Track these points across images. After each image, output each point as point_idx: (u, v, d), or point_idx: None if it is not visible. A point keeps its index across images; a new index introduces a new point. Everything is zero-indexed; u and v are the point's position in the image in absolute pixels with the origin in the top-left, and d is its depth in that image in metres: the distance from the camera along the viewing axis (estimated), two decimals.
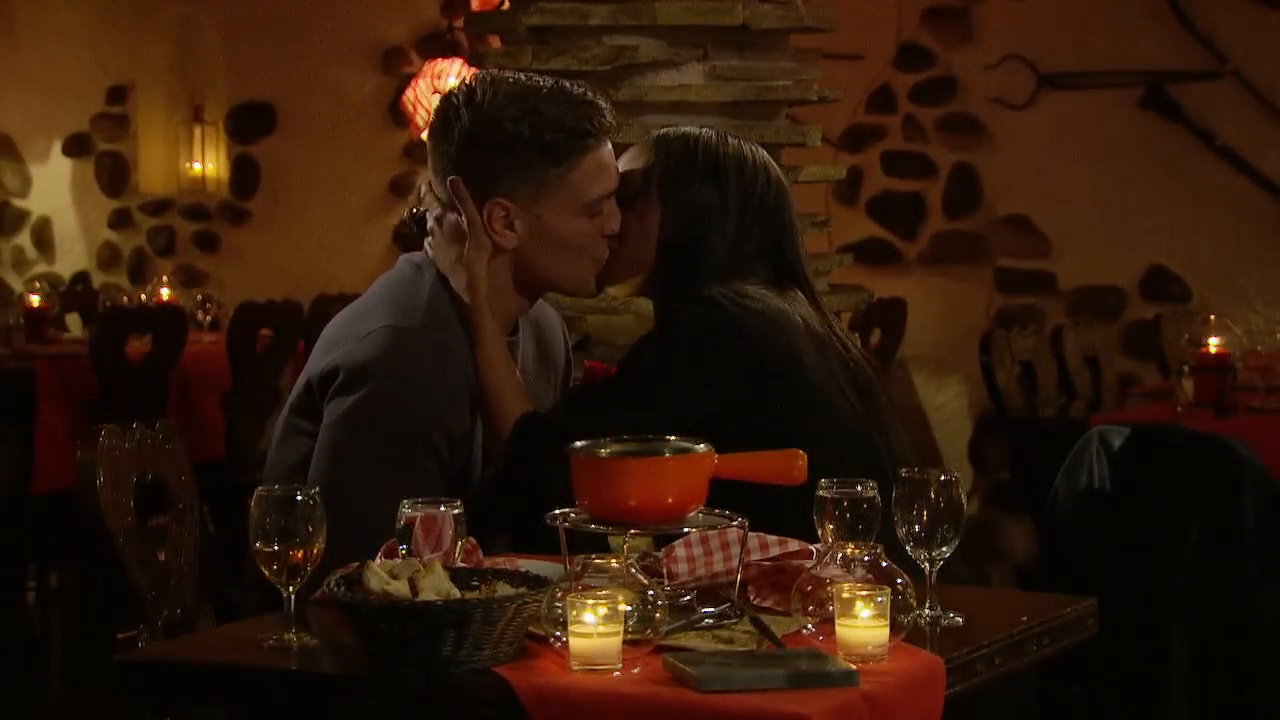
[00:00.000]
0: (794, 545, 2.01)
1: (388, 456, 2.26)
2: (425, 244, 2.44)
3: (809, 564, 1.92)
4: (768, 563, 1.99)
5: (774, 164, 2.49)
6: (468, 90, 2.37)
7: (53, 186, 8.16)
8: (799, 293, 2.41)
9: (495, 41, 3.74)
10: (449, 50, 7.31)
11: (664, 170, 2.41)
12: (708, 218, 2.40)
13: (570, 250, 2.38)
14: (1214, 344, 4.56)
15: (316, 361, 2.36)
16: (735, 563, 1.94)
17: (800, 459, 1.96)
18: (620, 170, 2.43)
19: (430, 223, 2.43)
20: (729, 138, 2.47)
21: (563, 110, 2.34)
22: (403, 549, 1.97)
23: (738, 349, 2.27)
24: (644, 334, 2.40)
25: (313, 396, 2.35)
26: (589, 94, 2.39)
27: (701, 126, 2.51)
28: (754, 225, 2.41)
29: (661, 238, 2.41)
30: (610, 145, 2.41)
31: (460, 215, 2.37)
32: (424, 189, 2.45)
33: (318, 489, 1.90)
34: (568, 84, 2.39)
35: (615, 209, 2.41)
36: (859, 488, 1.98)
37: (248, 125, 7.85)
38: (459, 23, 7.30)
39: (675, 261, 2.40)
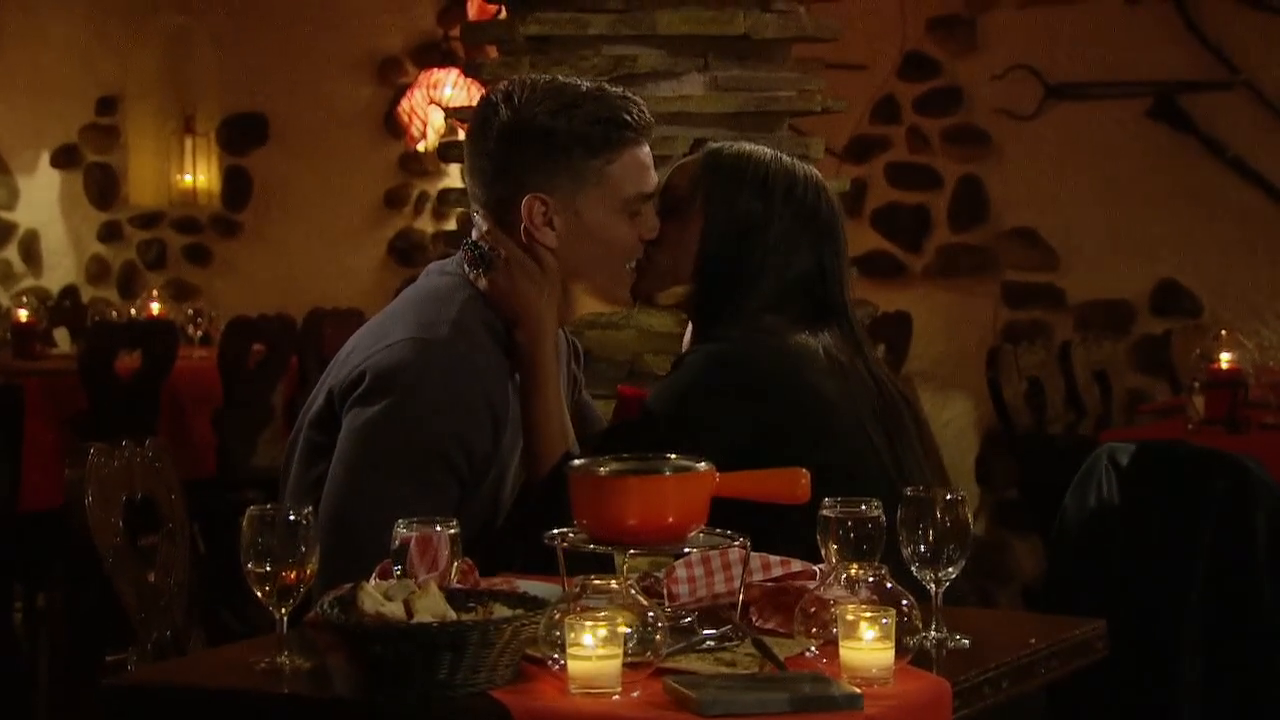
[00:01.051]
0: (797, 566, 2.01)
1: (406, 470, 2.26)
2: (478, 275, 2.40)
3: (812, 585, 1.92)
4: (770, 584, 1.99)
5: (827, 189, 2.48)
6: (504, 90, 2.41)
7: (41, 199, 8.17)
8: (835, 327, 2.39)
9: (492, 52, 3.74)
10: (445, 60, 7.33)
11: (711, 181, 2.42)
12: (750, 234, 2.39)
13: (608, 252, 2.39)
14: (1225, 359, 4.56)
15: (339, 370, 2.37)
16: (737, 583, 1.94)
17: (803, 477, 1.96)
18: (668, 180, 2.45)
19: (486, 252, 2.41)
20: (783, 157, 2.47)
21: (600, 104, 2.37)
22: (397, 570, 1.96)
23: (747, 388, 2.26)
24: (670, 372, 2.40)
25: (333, 408, 2.34)
26: (626, 93, 2.42)
27: (756, 143, 2.53)
28: (798, 247, 2.40)
29: (701, 249, 2.40)
30: (648, 147, 2.42)
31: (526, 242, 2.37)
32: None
33: (310, 509, 1.90)
34: (605, 83, 2.43)
35: (653, 214, 2.43)
36: (863, 507, 1.98)
37: (240, 136, 7.86)
38: (455, 32, 7.31)
39: (713, 277, 2.40)
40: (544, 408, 2.35)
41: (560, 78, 2.43)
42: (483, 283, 2.39)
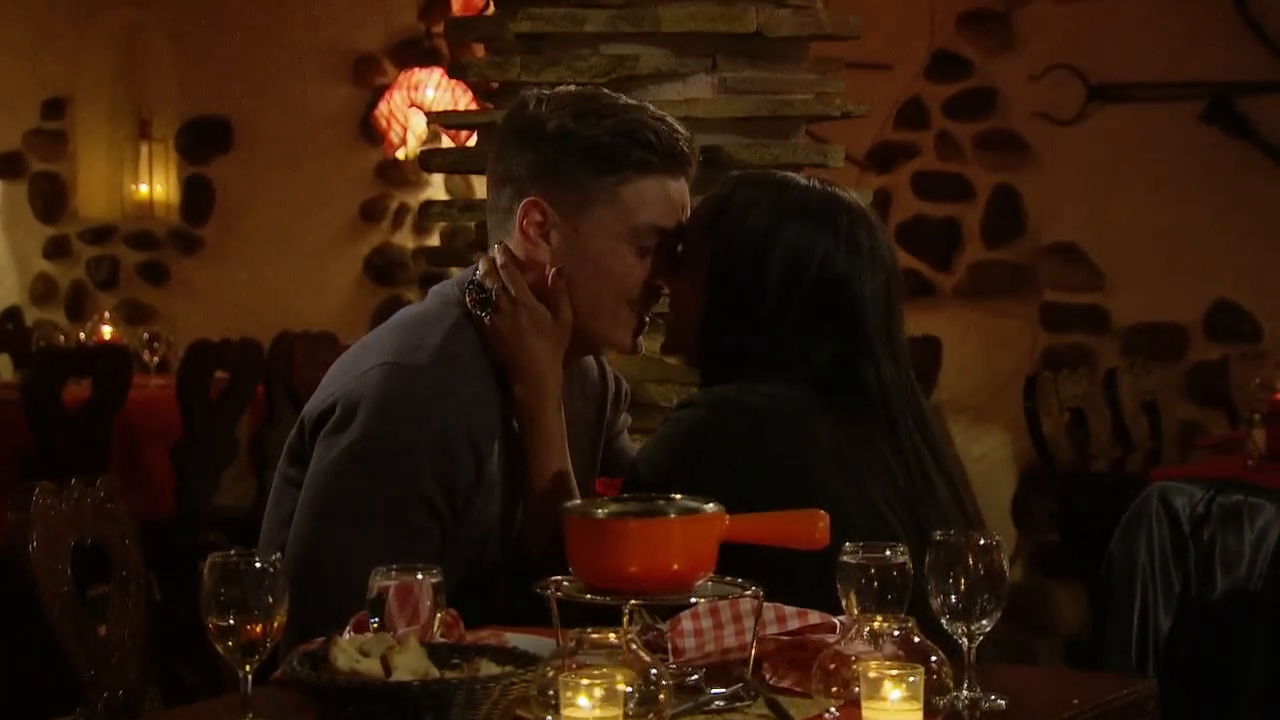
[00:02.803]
0: (815, 618, 2.01)
1: (379, 510, 2.26)
2: (484, 317, 2.40)
3: (832, 639, 1.92)
4: (785, 637, 1.99)
5: (872, 222, 2.39)
6: (537, 94, 2.40)
7: None
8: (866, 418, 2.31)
9: (479, 50, 3.75)
10: (427, 59, 7.35)
11: (714, 238, 2.36)
12: (752, 314, 2.33)
13: (603, 285, 2.35)
14: None
15: (313, 400, 2.37)
16: (749, 637, 1.94)
17: (821, 520, 1.96)
18: (687, 221, 2.39)
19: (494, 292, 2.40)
20: (816, 183, 2.40)
21: (630, 121, 2.34)
22: (374, 622, 1.96)
23: (726, 453, 2.24)
24: (657, 433, 2.38)
25: (304, 441, 2.35)
26: (674, 122, 2.38)
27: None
28: (819, 334, 2.34)
29: (705, 296, 2.37)
30: (683, 184, 2.37)
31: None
32: (496, 253, 2.43)
33: (278, 555, 1.90)
34: (652, 106, 2.39)
35: (668, 264, 2.39)
36: (887, 552, 1.97)
37: (201, 143, 7.88)
38: (439, 29, 7.33)
39: (714, 326, 2.35)
40: (542, 471, 2.35)
41: (608, 92, 2.42)
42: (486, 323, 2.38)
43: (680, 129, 2.39)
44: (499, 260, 2.38)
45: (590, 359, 2.57)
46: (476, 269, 2.41)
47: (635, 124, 2.35)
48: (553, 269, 2.35)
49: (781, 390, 2.28)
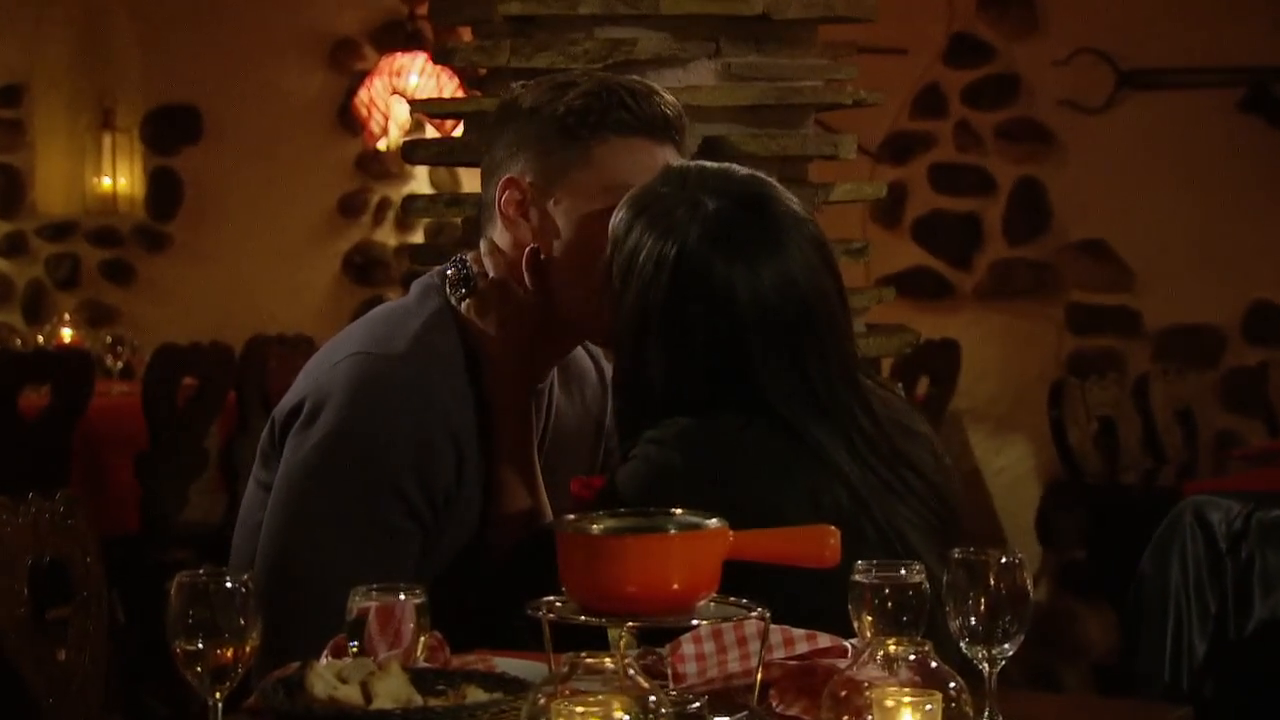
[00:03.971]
0: (825, 641, 2.01)
1: (352, 505, 2.26)
2: (462, 296, 2.40)
3: (843, 664, 1.92)
4: (793, 662, 1.99)
5: (784, 204, 2.27)
6: (522, 84, 2.43)
7: None
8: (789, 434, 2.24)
9: (466, 34, 3.76)
10: (410, 43, 7.35)
11: (615, 234, 2.28)
12: (637, 315, 2.24)
13: (584, 257, 2.33)
14: None
15: (284, 398, 2.37)
16: (754, 662, 1.94)
17: (832, 537, 1.96)
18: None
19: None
20: (713, 180, 2.28)
21: (602, 83, 2.35)
22: (353, 646, 1.96)
23: (676, 497, 2.22)
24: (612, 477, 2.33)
25: (275, 441, 2.35)
26: (656, 86, 2.38)
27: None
28: (691, 334, 2.22)
29: (615, 337, 2.28)
30: (670, 151, 2.35)
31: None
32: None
33: (249, 575, 1.90)
34: (638, 79, 2.40)
35: None
36: (903, 571, 1.98)
37: (167, 133, 7.88)
38: (422, 10, 7.33)
39: (623, 371, 2.29)
40: (500, 468, 2.34)
41: (598, 72, 2.44)
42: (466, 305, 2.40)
43: (665, 94, 2.38)
44: (483, 247, 2.40)
45: (589, 365, 2.57)
46: (461, 257, 2.43)
47: (609, 85, 2.35)
48: (528, 249, 2.35)
49: (734, 421, 2.25)
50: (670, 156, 2.36)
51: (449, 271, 2.41)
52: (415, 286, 2.45)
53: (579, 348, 2.55)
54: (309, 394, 2.31)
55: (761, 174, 2.33)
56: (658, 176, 2.31)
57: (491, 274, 2.38)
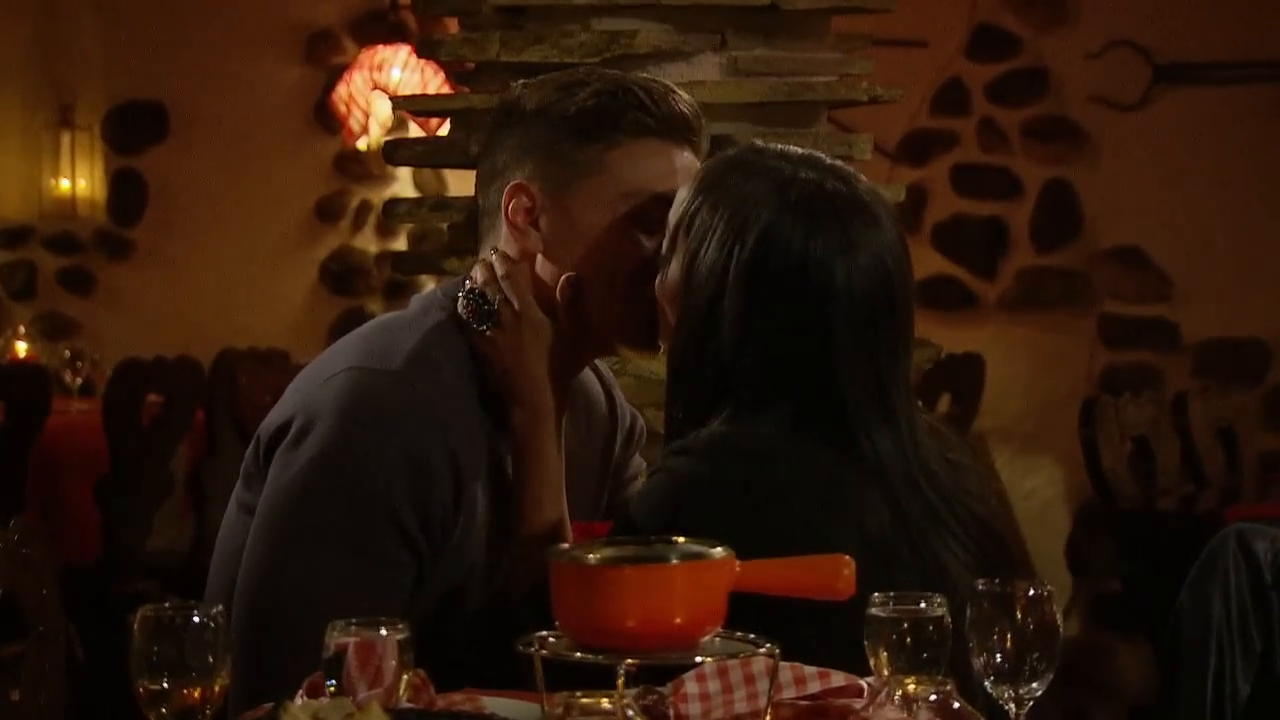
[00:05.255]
0: (839, 679, 2.01)
1: (343, 532, 2.25)
2: (484, 330, 2.39)
3: (859, 704, 1.92)
4: (805, 701, 1.99)
5: (868, 201, 2.30)
6: (522, 82, 2.42)
7: None
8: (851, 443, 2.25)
9: (452, 25, 3.76)
10: (392, 35, 7.36)
11: (694, 212, 2.29)
12: (714, 276, 2.27)
13: (607, 268, 2.34)
14: None
15: (271, 414, 2.37)
16: (763, 702, 1.94)
17: (846, 567, 1.96)
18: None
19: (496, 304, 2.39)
20: (795, 154, 2.33)
21: (612, 81, 2.35)
22: (331, 685, 1.96)
23: (728, 506, 2.22)
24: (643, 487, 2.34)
25: (260, 460, 2.35)
26: (670, 84, 2.39)
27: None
28: (779, 325, 2.26)
29: (680, 306, 2.30)
30: (689, 154, 2.36)
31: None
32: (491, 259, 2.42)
33: (220, 609, 1.90)
34: (656, 80, 2.40)
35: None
36: (923, 604, 1.97)
37: (131, 131, 7.88)
38: (405, 0, 7.34)
39: (683, 343, 2.29)
40: (533, 510, 2.34)
41: (604, 69, 2.44)
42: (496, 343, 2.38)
43: (681, 93, 2.39)
44: (499, 270, 2.37)
45: (599, 392, 2.57)
46: (468, 278, 2.41)
47: (623, 85, 2.35)
48: (564, 277, 2.35)
49: (770, 430, 2.25)
50: (689, 160, 2.38)
51: (462, 305, 2.38)
52: (415, 301, 2.45)
53: (590, 373, 2.56)
54: (298, 411, 2.30)
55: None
56: (729, 154, 2.34)
57: (507, 295, 2.36)
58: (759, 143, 2.41)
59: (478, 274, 2.39)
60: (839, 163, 2.37)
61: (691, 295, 2.28)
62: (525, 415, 2.35)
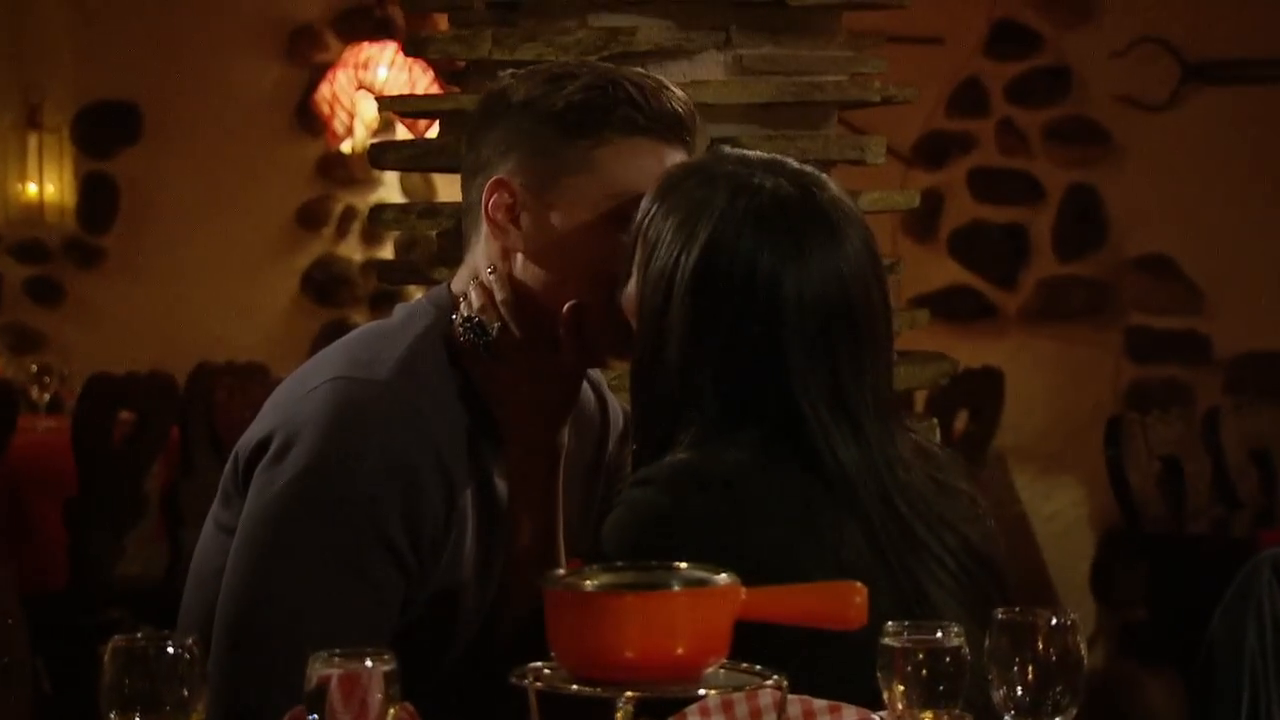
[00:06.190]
0: (850, 714, 2.01)
1: (328, 553, 2.24)
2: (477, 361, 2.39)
3: None
4: None
5: (831, 201, 2.29)
6: (510, 74, 2.42)
7: None
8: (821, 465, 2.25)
9: (442, 22, 3.76)
10: (378, 32, 7.36)
11: (647, 219, 2.29)
12: (661, 287, 2.25)
13: (590, 273, 2.34)
14: None
15: (250, 429, 2.36)
16: None
17: (858, 594, 1.96)
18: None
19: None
20: (757, 159, 2.33)
21: (605, 75, 2.36)
22: (313, 719, 1.96)
23: (693, 536, 2.21)
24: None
25: (239, 478, 2.34)
26: (664, 80, 2.39)
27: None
28: (719, 313, 2.23)
29: (635, 319, 2.29)
30: (680, 155, 2.36)
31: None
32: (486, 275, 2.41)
33: (194, 639, 1.90)
34: (644, 72, 2.41)
35: None
36: (939, 634, 1.98)
37: (102, 132, 7.89)
38: None
39: (643, 360, 2.28)
40: (528, 542, 2.34)
41: (597, 63, 2.45)
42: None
43: (675, 90, 2.39)
44: (498, 294, 2.37)
45: (587, 389, 2.57)
46: (450, 284, 2.42)
47: (614, 79, 2.35)
48: (567, 306, 2.35)
49: (737, 454, 2.25)
50: (680, 160, 2.37)
51: (458, 331, 2.37)
52: (400, 309, 2.45)
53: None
54: (279, 425, 2.30)
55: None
56: (692, 159, 2.34)
57: (506, 322, 2.35)
58: (724, 148, 2.41)
59: (473, 297, 2.37)
60: (807, 168, 2.35)
61: (644, 308, 2.28)
62: (527, 456, 2.36)
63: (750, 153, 2.36)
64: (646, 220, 2.29)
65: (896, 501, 2.26)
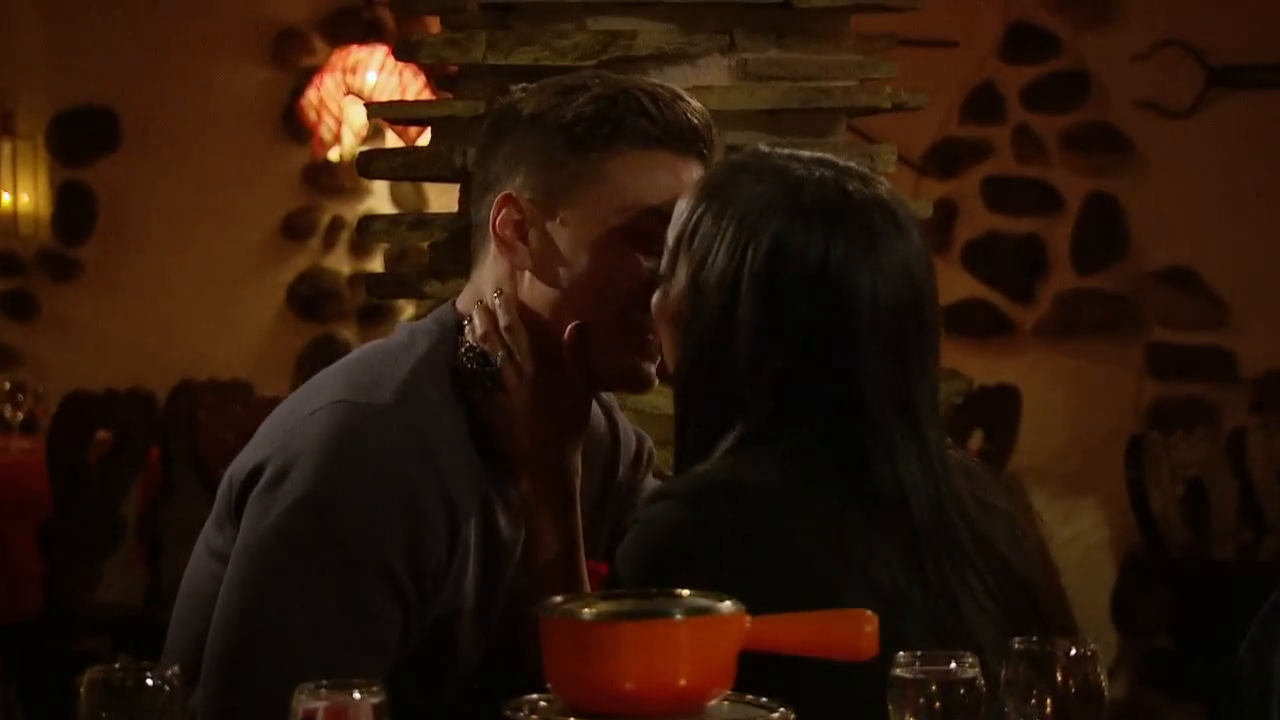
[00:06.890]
0: None
1: (328, 587, 2.24)
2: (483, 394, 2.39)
3: None
4: None
5: (887, 206, 2.30)
6: (521, 87, 2.43)
7: None
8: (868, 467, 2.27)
9: (433, 24, 3.77)
10: (367, 34, 7.37)
11: (694, 222, 2.28)
12: (724, 286, 2.25)
13: (601, 291, 2.34)
14: None
15: (245, 452, 2.36)
16: None
17: (869, 623, 1.96)
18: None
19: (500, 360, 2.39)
20: (806, 155, 2.32)
21: (617, 86, 2.36)
22: None
23: (713, 553, 2.21)
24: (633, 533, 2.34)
25: (232, 503, 2.34)
26: (679, 90, 2.39)
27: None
28: (788, 342, 2.24)
29: (682, 325, 2.29)
30: (697, 166, 2.37)
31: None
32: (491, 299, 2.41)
33: (176, 670, 1.90)
34: (663, 86, 2.40)
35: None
36: (953, 665, 1.97)
37: (78, 140, 7.89)
38: None
39: (688, 366, 2.28)
40: (549, 581, 2.34)
41: (610, 74, 2.44)
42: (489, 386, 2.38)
43: (691, 101, 2.39)
44: (502, 320, 2.37)
45: (598, 411, 2.56)
46: (456, 302, 2.42)
47: (626, 90, 2.36)
48: (570, 327, 2.35)
49: (770, 467, 2.25)
50: (696, 173, 2.37)
51: (464, 357, 2.36)
52: (402, 328, 2.45)
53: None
54: (277, 450, 2.30)
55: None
56: (729, 159, 2.34)
57: (512, 351, 2.35)
58: (763, 146, 2.41)
59: (477, 322, 2.38)
60: (854, 164, 2.36)
61: (700, 310, 2.27)
62: (538, 490, 2.36)
63: (797, 150, 2.35)
64: (692, 224, 2.28)
65: (948, 509, 2.26)
